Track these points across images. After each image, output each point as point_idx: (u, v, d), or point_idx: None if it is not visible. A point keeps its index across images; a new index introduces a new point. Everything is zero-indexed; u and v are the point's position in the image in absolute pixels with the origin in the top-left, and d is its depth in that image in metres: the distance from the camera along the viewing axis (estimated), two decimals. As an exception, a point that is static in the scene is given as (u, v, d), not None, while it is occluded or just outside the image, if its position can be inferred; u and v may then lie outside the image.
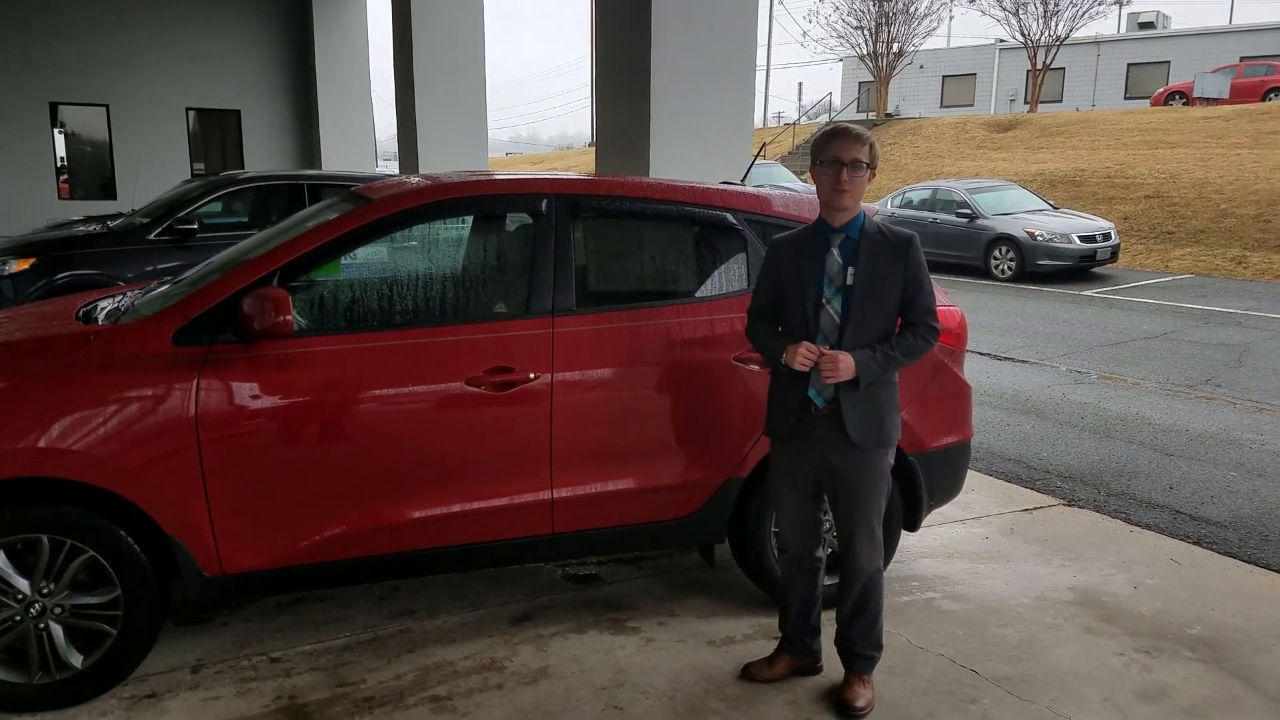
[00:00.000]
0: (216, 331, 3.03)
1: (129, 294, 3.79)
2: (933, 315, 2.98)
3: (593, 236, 3.58)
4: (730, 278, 3.64)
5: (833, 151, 2.92)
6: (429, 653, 3.42)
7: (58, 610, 2.94)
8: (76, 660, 2.99)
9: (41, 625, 2.93)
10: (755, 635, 3.57)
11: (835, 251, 2.97)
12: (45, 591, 2.92)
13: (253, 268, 3.12)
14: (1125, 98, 35.77)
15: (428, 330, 3.25)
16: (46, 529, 2.88)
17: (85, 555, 2.93)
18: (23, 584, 2.90)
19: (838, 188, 2.91)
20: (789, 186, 17.68)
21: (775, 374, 3.11)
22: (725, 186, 3.82)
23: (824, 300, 2.97)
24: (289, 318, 2.94)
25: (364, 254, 3.38)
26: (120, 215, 9.60)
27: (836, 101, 38.85)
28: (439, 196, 3.36)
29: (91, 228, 8.49)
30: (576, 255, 3.46)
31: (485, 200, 3.48)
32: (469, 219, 3.62)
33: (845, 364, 2.88)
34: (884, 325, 2.96)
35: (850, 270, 2.95)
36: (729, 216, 3.67)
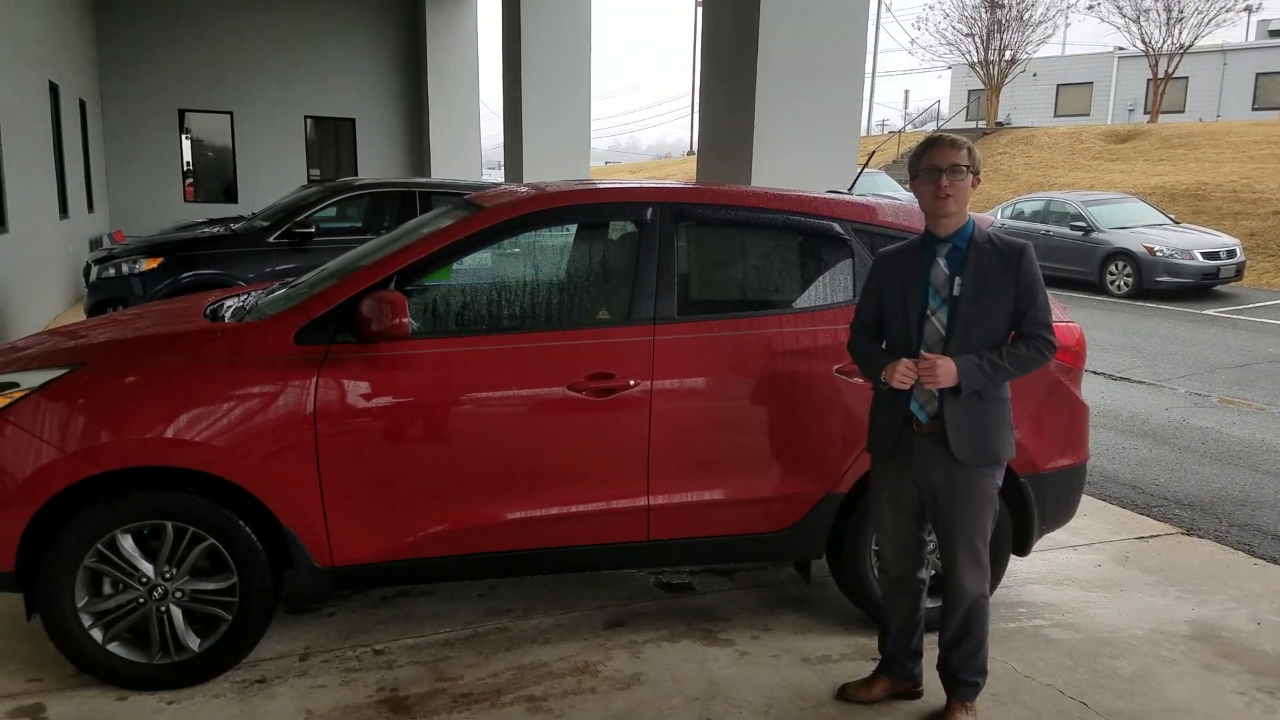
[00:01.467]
0: (336, 332, 3.15)
1: (253, 294, 3.95)
2: (1047, 328, 2.87)
3: (696, 245, 3.58)
4: (835, 288, 3.59)
5: (930, 160, 2.86)
6: (525, 652, 3.46)
7: (178, 594, 3.09)
8: (194, 643, 3.13)
9: (163, 608, 3.08)
10: (852, 655, 3.51)
11: (941, 261, 2.90)
12: (168, 576, 3.07)
13: (371, 272, 3.22)
14: (1253, 108, 34.02)
15: (532, 335, 3.30)
16: (171, 516, 3.03)
17: (206, 543, 3.07)
18: (147, 568, 3.05)
19: (939, 195, 2.84)
20: (893, 196, 17.34)
21: (877, 389, 3.05)
22: (832, 195, 3.78)
23: (929, 312, 2.90)
24: (406, 320, 3.03)
25: (474, 260, 3.46)
26: (241, 218, 10.04)
27: (945, 109, 38.04)
28: (546, 205, 3.42)
29: (215, 230, 8.89)
30: (679, 264, 3.47)
31: (590, 209, 3.52)
32: (574, 226, 3.66)
33: (945, 369, 2.79)
34: (992, 338, 2.86)
35: (957, 280, 2.87)
36: (835, 226, 3.63)
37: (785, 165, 5.58)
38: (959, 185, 2.83)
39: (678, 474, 3.38)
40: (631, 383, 3.29)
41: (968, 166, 2.84)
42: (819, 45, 5.57)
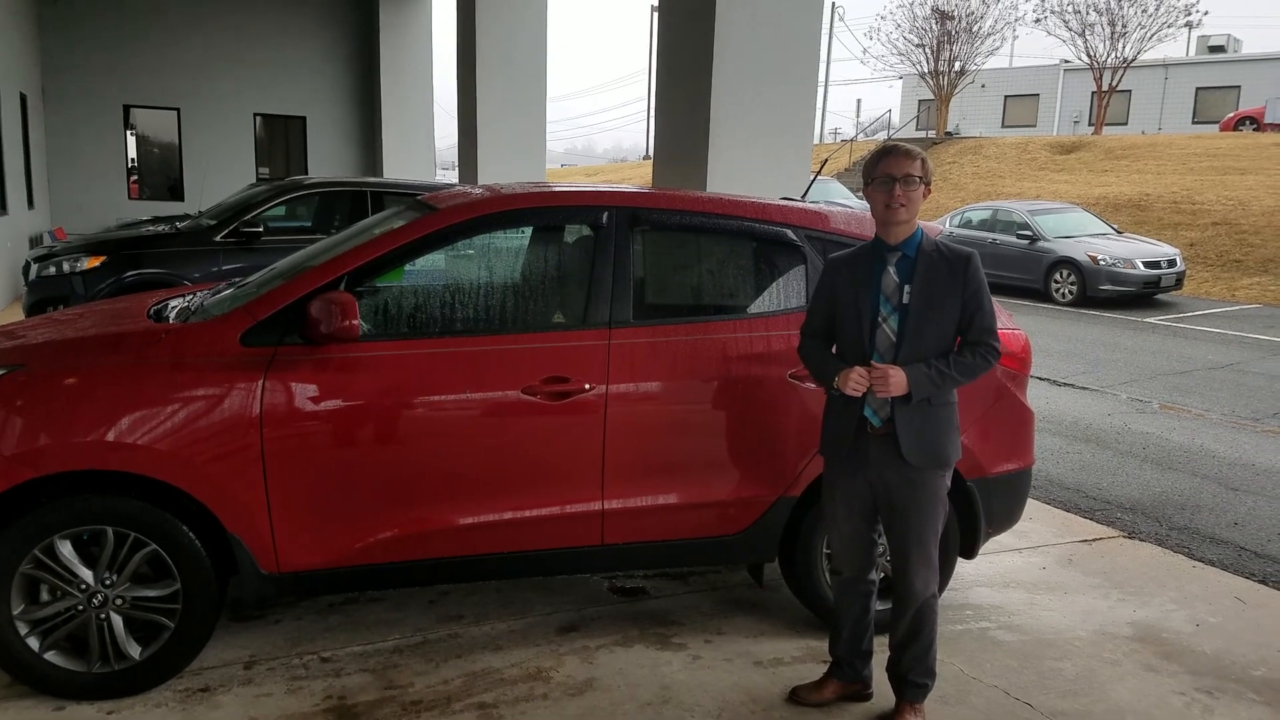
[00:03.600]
0: (283, 334, 3.09)
1: (199, 294, 3.87)
2: (993, 335, 2.92)
3: (651, 249, 3.58)
4: (788, 294, 3.62)
5: (885, 169, 2.89)
6: (476, 659, 3.43)
7: (119, 601, 3.01)
8: (135, 651, 3.05)
9: (103, 616, 3.00)
10: (804, 658, 3.53)
11: (892, 269, 2.94)
12: (108, 583, 2.99)
13: (320, 272, 3.17)
14: (1193, 122, 35.01)
15: (487, 338, 3.28)
16: (112, 521, 2.95)
17: (148, 549, 2.99)
18: (87, 574, 2.97)
19: (891, 204, 2.88)
20: (845, 203, 17.54)
21: (830, 392, 3.08)
22: (786, 202, 3.80)
23: (880, 319, 2.94)
24: (355, 322, 2.98)
25: (426, 262, 3.42)
26: (187, 216, 9.85)
27: (896, 119, 38.58)
28: (501, 207, 3.40)
29: (160, 228, 8.70)
30: (635, 268, 3.47)
31: (546, 211, 3.50)
32: (530, 229, 3.64)
33: (896, 378, 2.84)
34: (941, 344, 2.91)
35: (907, 288, 2.91)
36: (789, 232, 3.65)
37: (740, 171, 5.61)
38: (911, 195, 2.87)
39: (633, 478, 3.37)
40: (587, 386, 3.28)
41: (920, 177, 2.88)
42: (774, 53, 5.60)
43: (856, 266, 3.01)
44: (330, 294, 3.02)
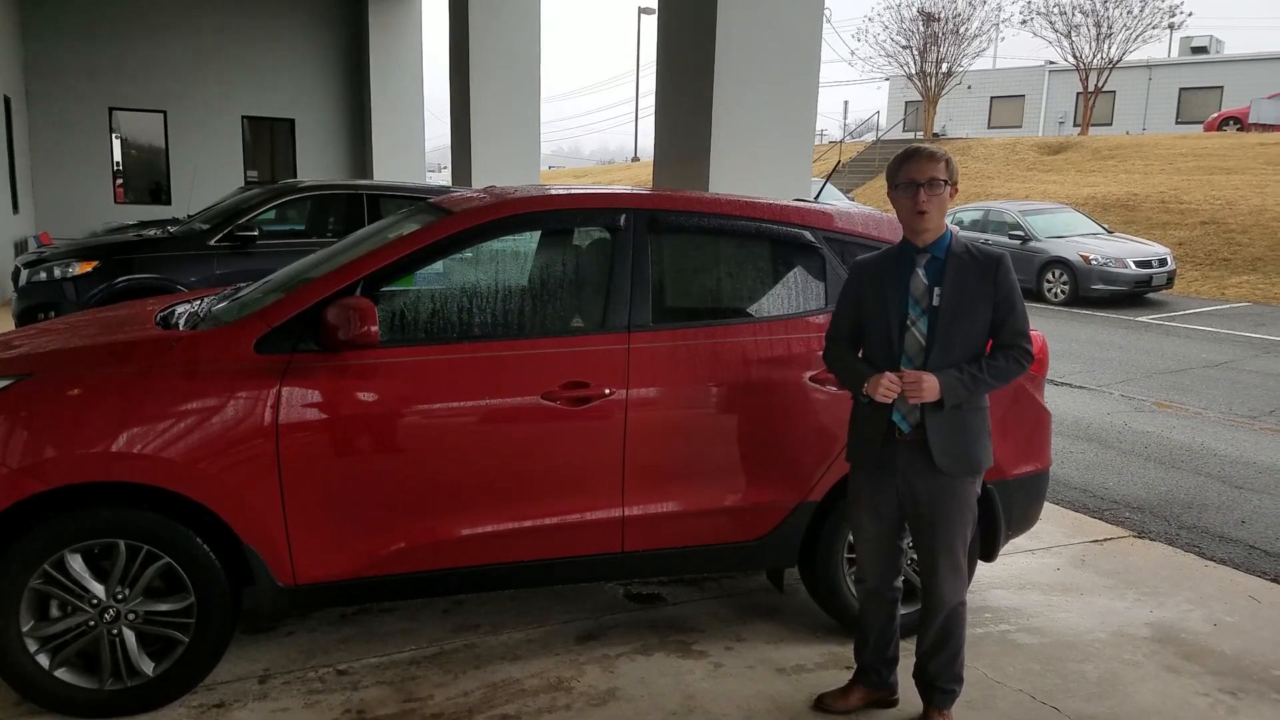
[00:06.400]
0: (299, 340, 3.03)
1: (206, 299, 3.80)
2: (1025, 338, 2.89)
3: (670, 252, 3.53)
4: (808, 296, 3.58)
5: (908, 174, 2.85)
6: (495, 669, 3.37)
7: (131, 616, 2.93)
8: (148, 667, 2.98)
9: (115, 631, 2.92)
10: (826, 664, 3.49)
11: (920, 272, 2.90)
12: (120, 597, 2.92)
13: (336, 277, 3.11)
14: (1177, 122, 35.25)
15: (506, 343, 3.22)
16: (124, 534, 2.88)
17: (161, 562, 2.92)
18: (98, 589, 2.90)
19: (917, 209, 2.83)
20: (837, 205, 17.52)
21: (857, 399, 3.03)
22: (801, 203, 3.76)
23: (909, 322, 2.89)
24: (374, 328, 2.92)
25: (444, 266, 3.36)
26: (178, 220, 9.72)
27: (883, 121, 38.65)
28: (519, 210, 3.34)
29: (152, 232, 8.59)
30: (653, 271, 3.42)
31: (564, 214, 3.45)
32: (548, 232, 3.59)
33: (929, 384, 2.79)
34: (971, 348, 2.87)
35: (936, 291, 2.87)
36: (807, 234, 3.61)
37: (742, 172, 5.57)
38: (936, 200, 2.83)
39: (653, 484, 3.32)
40: (607, 391, 3.23)
41: (945, 180, 2.84)
42: (775, 53, 5.57)
43: (884, 269, 2.97)
44: (348, 299, 2.96)
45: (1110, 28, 30.48)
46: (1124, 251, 14.64)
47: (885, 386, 2.82)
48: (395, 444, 3.07)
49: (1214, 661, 3.63)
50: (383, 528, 3.08)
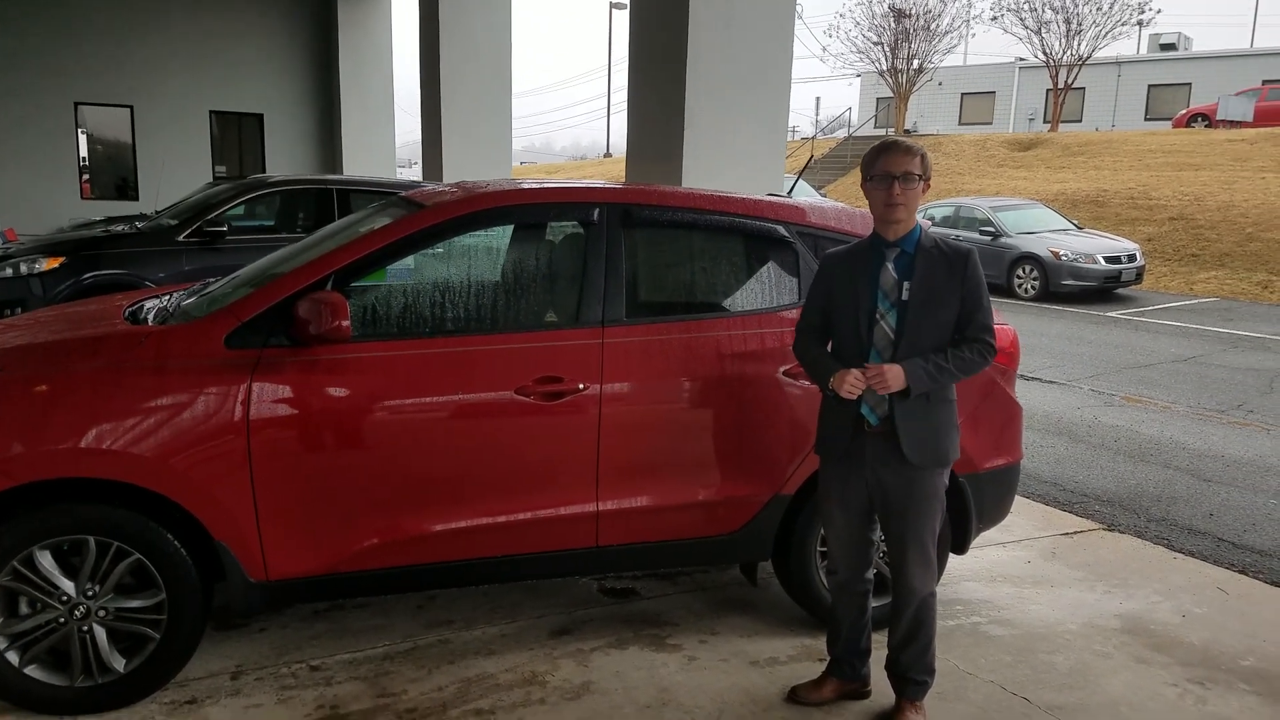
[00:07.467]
0: (269, 335, 3.00)
1: (175, 295, 3.76)
2: (990, 332, 2.92)
3: (644, 247, 3.53)
4: (781, 291, 3.59)
5: (884, 166, 2.87)
6: (469, 664, 3.37)
7: (102, 613, 2.90)
8: (119, 664, 2.95)
9: (85, 628, 2.89)
10: (799, 656, 3.51)
11: (890, 265, 2.92)
12: (90, 594, 2.89)
13: (307, 271, 3.08)
14: (1146, 119, 35.68)
15: (479, 338, 3.21)
16: (94, 530, 2.85)
17: (131, 558, 2.89)
18: (68, 586, 2.87)
19: (890, 201, 2.86)
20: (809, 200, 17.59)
21: (825, 392, 3.05)
22: (775, 198, 3.78)
23: (878, 315, 2.92)
24: (346, 323, 2.90)
25: (416, 261, 3.35)
26: (145, 216, 9.61)
27: (855, 117, 38.84)
28: (492, 204, 3.33)
29: (120, 228, 8.48)
30: (627, 265, 3.42)
31: (538, 208, 3.44)
32: (521, 226, 3.58)
33: (894, 374, 2.82)
34: (939, 341, 2.90)
35: (905, 285, 2.89)
36: (780, 229, 3.63)
37: (715, 168, 5.58)
38: (910, 193, 2.85)
39: (627, 478, 3.33)
40: (580, 386, 3.23)
41: (920, 174, 2.86)
42: (747, 51, 5.59)
43: (854, 262, 2.99)
44: (319, 294, 2.94)
45: (1080, 24, 30.80)
46: (1093, 247, 14.80)
47: (850, 383, 2.84)
48: (367, 439, 3.05)
49: (1183, 652, 3.68)
50: (356, 523, 3.07)
